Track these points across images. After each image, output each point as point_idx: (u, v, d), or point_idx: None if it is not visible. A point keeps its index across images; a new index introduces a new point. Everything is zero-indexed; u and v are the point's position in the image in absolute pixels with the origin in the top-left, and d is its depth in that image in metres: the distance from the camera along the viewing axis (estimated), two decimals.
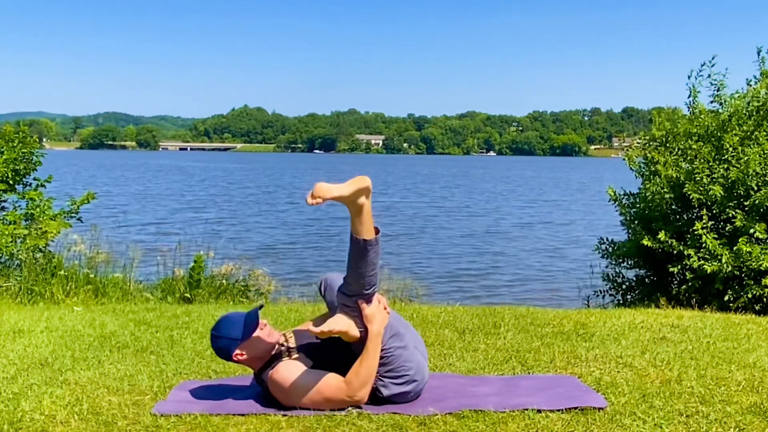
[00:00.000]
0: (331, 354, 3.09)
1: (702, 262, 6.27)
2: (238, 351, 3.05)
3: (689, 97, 7.35)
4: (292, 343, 3.14)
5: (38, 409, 2.97)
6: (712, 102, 7.28)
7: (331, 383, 2.94)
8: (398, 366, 2.99)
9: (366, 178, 2.80)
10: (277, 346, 3.11)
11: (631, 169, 7.55)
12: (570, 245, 17.33)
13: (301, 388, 2.93)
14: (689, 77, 7.25)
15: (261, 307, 3.20)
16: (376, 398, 3.01)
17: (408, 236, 18.68)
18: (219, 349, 3.11)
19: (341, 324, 2.94)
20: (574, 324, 4.77)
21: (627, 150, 7.74)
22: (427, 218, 23.74)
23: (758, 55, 7.31)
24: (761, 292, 6.08)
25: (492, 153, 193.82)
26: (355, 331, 2.96)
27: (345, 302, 2.98)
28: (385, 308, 3.04)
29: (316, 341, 3.15)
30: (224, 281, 7.45)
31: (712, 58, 7.18)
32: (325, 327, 2.89)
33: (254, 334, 3.03)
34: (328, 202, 2.80)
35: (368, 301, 2.96)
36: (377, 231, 2.89)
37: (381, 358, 2.97)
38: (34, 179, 7.81)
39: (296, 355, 3.08)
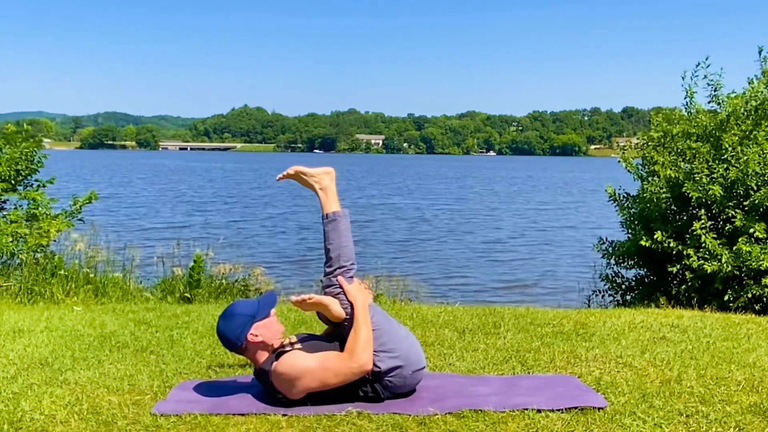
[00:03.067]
0: (332, 349, 3.10)
1: (701, 261, 6.27)
2: (252, 331, 3.05)
3: (686, 98, 7.36)
4: (294, 341, 3.15)
5: (38, 409, 2.97)
6: (709, 102, 7.29)
7: (334, 357, 3.00)
8: (388, 340, 3.07)
9: (331, 168, 3.36)
10: (279, 342, 3.13)
11: (628, 171, 7.55)
12: (583, 246, 17.13)
13: (307, 370, 2.95)
14: (683, 78, 7.26)
15: (274, 292, 3.28)
16: (375, 378, 3.03)
17: (423, 241, 18.29)
18: (231, 330, 3.06)
19: (325, 299, 3.10)
20: (574, 324, 4.78)
21: (623, 151, 7.72)
22: (438, 222, 23.29)
23: (759, 54, 7.32)
24: (761, 292, 6.08)
25: (492, 153, 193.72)
26: (338, 308, 3.09)
27: (327, 284, 3.15)
28: (367, 288, 3.21)
29: (316, 341, 3.17)
30: (224, 281, 7.45)
31: (706, 59, 7.19)
32: (307, 296, 3.07)
33: (271, 316, 3.11)
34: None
35: (348, 278, 3.15)
36: None
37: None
38: (36, 180, 7.81)
39: (299, 346, 3.11)
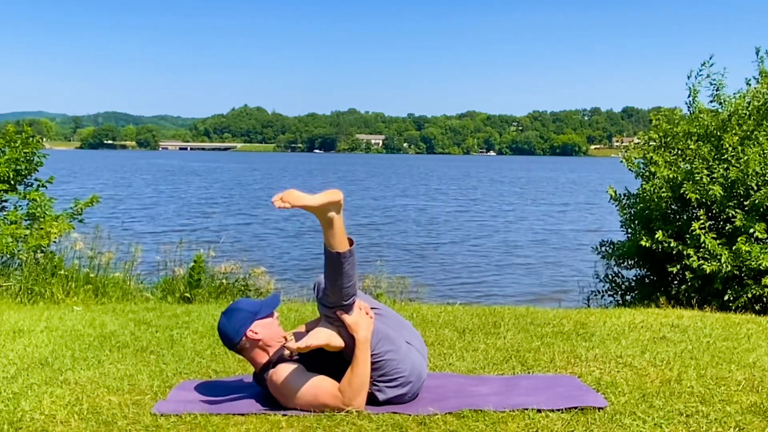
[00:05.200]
0: (331, 354, 3.09)
1: (701, 261, 6.27)
2: (252, 328, 3.02)
3: (689, 96, 7.35)
4: (293, 347, 3.14)
5: (38, 409, 2.97)
6: (711, 102, 7.29)
7: (327, 390, 2.93)
8: (391, 369, 2.97)
9: (338, 191, 2.78)
10: (279, 346, 3.11)
11: (630, 170, 7.55)
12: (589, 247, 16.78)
13: (299, 392, 2.93)
14: (689, 77, 7.25)
15: (278, 293, 3.21)
16: (374, 402, 3.00)
17: (435, 244, 17.88)
18: (231, 325, 3.04)
19: (321, 337, 2.91)
20: (574, 324, 4.78)
21: (625, 151, 7.72)
22: (449, 225, 22.72)
23: (757, 55, 7.32)
24: (761, 292, 6.08)
25: (492, 153, 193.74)
26: (337, 341, 2.93)
27: (326, 313, 2.96)
28: (368, 313, 3.01)
29: (315, 353, 3.14)
30: (224, 280, 7.45)
31: (710, 58, 7.19)
32: (303, 343, 2.86)
33: (274, 314, 3.07)
34: (297, 210, 2.81)
35: (348, 311, 2.93)
36: (351, 243, 2.87)
37: (372, 363, 2.94)
38: (35, 180, 7.81)
39: (296, 356, 3.08)
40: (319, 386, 2.93)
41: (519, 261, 15.28)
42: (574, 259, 14.84)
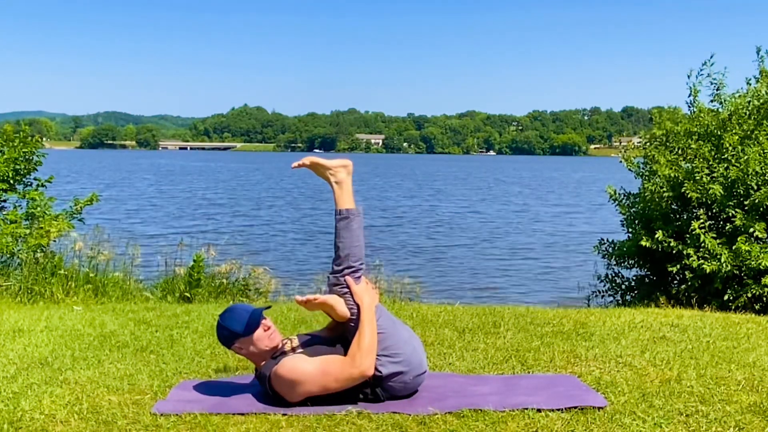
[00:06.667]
0: (332, 349, 3.10)
1: (701, 261, 6.27)
2: (236, 344, 3.10)
3: (690, 96, 7.35)
4: (295, 344, 3.15)
5: (38, 409, 2.97)
6: (712, 101, 7.29)
7: (335, 362, 2.99)
8: (391, 344, 3.06)
9: (349, 160, 3.31)
10: (280, 345, 3.12)
11: (629, 170, 7.55)
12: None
13: (308, 375, 2.95)
14: (689, 76, 7.25)
15: (268, 308, 3.23)
16: (376, 383, 3.02)
17: (448, 247, 17.62)
18: (221, 337, 3.15)
19: (331, 299, 3.07)
20: (574, 323, 4.78)
21: (625, 150, 7.72)
22: (458, 226, 22.44)
23: (757, 54, 7.32)
24: (761, 292, 6.08)
25: (492, 152, 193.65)
26: (343, 308, 3.06)
27: (334, 282, 3.12)
28: (374, 288, 3.18)
29: (317, 343, 3.16)
30: (224, 280, 7.45)
31: (711, 57, 7.20)
32: (313, 296, 3.04)
33: (255, 334, 3.05)
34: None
35: (356, 278, 3.12)
36: None
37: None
38: (35, 179, 7.81)
39: (299, 351, 3.10)
40: (326, 360, 3.00)
41: (523, 263, 15.21)
42: (578, 261, 14.79)
